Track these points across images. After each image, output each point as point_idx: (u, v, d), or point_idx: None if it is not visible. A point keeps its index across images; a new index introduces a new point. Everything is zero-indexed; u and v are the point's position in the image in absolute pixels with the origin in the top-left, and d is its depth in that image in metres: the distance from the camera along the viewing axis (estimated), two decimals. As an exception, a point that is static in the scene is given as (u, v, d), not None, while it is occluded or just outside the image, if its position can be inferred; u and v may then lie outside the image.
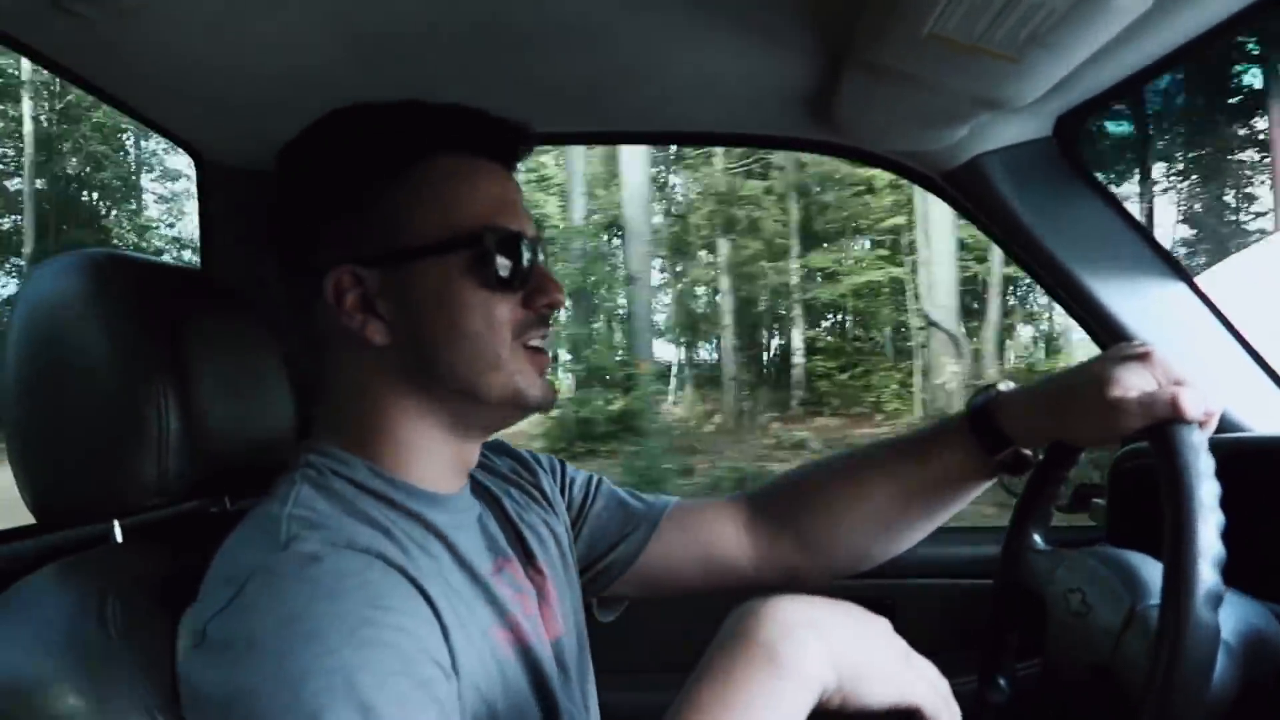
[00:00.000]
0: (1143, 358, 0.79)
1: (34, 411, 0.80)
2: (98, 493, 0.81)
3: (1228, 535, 0.66)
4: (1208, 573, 0.64)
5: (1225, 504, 0.67)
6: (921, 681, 0.65)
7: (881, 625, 0.67)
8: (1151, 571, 0.81)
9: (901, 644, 0.67)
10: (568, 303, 0.85)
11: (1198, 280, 1.28)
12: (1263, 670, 0.75)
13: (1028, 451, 0.93)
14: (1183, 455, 0.69)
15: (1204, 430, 0.73)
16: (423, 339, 0.78)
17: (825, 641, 0.62)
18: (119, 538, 0.83)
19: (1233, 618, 0.75)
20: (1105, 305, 1.28)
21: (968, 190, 1.32)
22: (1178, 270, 1.28)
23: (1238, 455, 1.10)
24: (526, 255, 0.80)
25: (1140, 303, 1.28)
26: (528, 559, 0.91)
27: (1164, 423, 0.73)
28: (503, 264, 0.78)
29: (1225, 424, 1.22)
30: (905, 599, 1.57)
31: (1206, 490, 0.66)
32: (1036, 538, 0.92)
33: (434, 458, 0.82)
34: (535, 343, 0.82)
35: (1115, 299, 1.27)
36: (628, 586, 1.06)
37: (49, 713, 0.67)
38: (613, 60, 1.17)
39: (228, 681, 0.59)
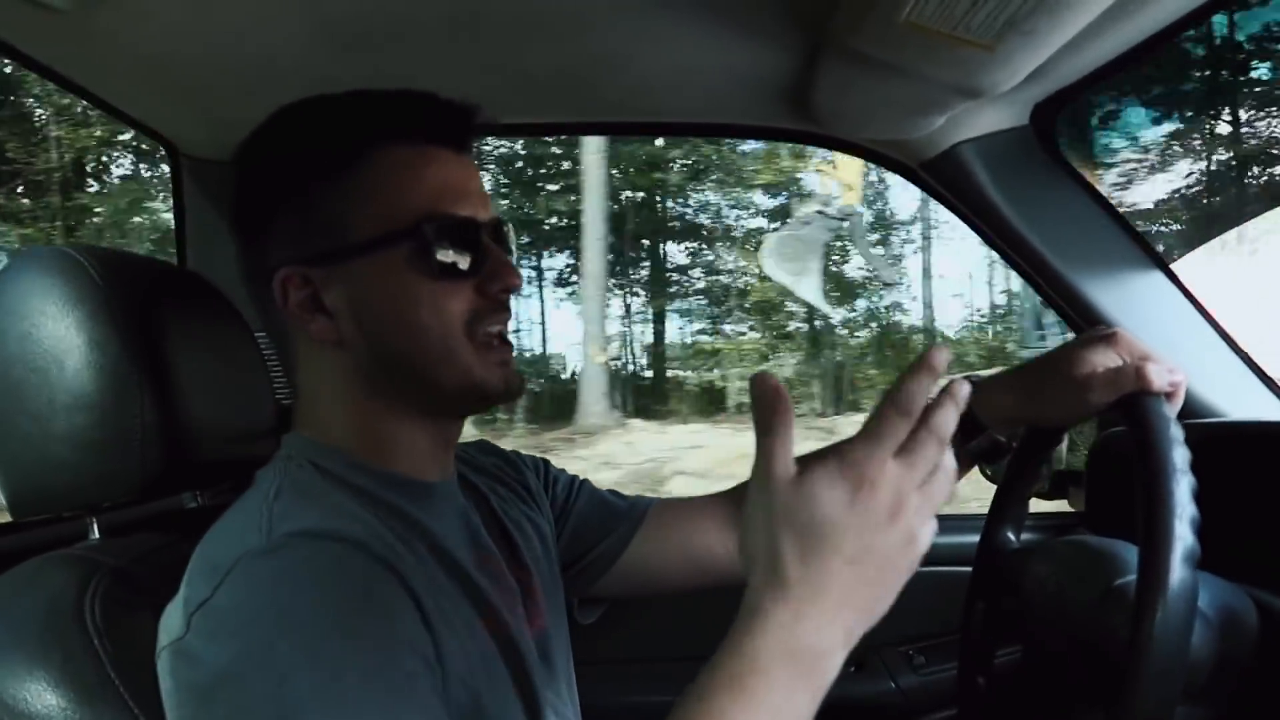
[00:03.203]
0: (1108, 338, 0.83)
1: (9, 408, 0.79)
2: (74, 489, 0.80)
3: (1203, 519, 0.66)
4: (1184, 531, 0.65)
5: (1200, 488, 0.67)
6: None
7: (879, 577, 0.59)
8: (1125, 552, 0.82)
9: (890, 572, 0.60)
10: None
11: (1174, 267, 1.29)
12: (1237, 645, 0.77)
13: (1002, 438, 0.94)
14: (1152, 422, 0.72)
15: (1171, 402, 0.76)
16: (373, 336, 0.77)
17: (844, 625, 0.58)
18: (96, 534, 0.82)
19: (1208, 594, 0.76)
20: (1082, 292, 1.28)
21: (945, 179, 1.33)
22: (1154, 257, 1.29)
23: (1213, 440, 1.12)
24: (476, 241, 0.78)
25: (1117, 290, 1.29)
26: (512, 555, 0.91)
27: (1132, 395, 0.77)
28: (445, 253, 0.76)
29: (1201, 409, 1.24)
30: None
31: (1179, 455, 0.68)
32: (1010, 535, 0.93)
33: (411, 445, 0.81)
34: (493, 329, 0.79)
35: (1092, 286, 1.28)
36: (611, 585, 1.06)
37: (27, 710, 0.66)
38: (588, 49, 1.16)
39: (211, 671, 0.58)
